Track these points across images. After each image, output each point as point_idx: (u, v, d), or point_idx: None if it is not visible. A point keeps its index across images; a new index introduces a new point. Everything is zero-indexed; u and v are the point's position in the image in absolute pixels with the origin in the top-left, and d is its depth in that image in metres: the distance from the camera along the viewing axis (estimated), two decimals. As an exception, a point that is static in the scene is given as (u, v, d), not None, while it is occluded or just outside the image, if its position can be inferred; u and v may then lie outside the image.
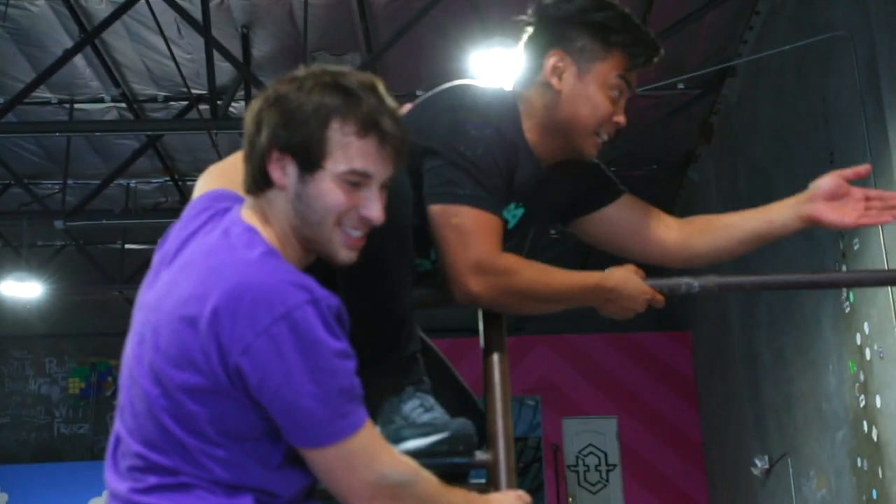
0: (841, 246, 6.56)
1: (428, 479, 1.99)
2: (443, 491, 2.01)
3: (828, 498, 7.29)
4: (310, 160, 1.95)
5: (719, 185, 9.92)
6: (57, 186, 10.49)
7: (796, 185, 7.60)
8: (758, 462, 8.90)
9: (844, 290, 6.53)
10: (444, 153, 2.41)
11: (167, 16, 7.79)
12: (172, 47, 8.02)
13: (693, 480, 11.53)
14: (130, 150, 9.93)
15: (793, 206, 2.66)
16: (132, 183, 10.83)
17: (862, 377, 6.45)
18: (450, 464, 2.29)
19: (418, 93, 2.47)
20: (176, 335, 1.87)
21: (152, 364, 1.91)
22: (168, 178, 10.74)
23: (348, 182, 1.96)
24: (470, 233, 2.37)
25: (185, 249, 2.01)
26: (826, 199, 2.62)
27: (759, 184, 8.49)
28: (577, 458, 11.81)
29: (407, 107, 2.46)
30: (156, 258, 2.09)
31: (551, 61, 2.54)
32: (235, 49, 8.28)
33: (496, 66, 7.07)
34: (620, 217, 2.77)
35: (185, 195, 10.72)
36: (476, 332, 2.52)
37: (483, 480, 2.42)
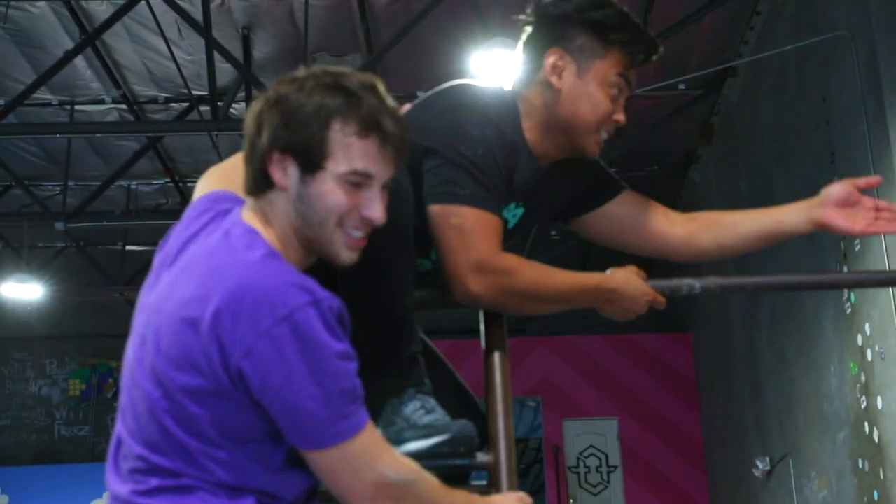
0: (842, 247, 6.56)
1: (429, 480, 1.99)
2: (444, 492, 2.01)
3: (829, 499, 7.29)
4: (311, 161, 1.95)
5: (720, 185, 9.93)
6: (58, 188, 10.50)
7: (797, 185, 7.62)
8: (759, 463, 8.90)
9: (846, 291, 6.53)
10: (444, 153, 2.41)
11: (168, 17, 7.80)
12: (173, 48, 8.03)
13: (694, 482, 11.53)
14: (131, 151, 9.94)
15: (804, 209, 2.68)
16: (133, 184, 10.84)
17: (863, 378, 6.45)
18: (451, 465, 2.29)
19: (419, 93, 2.47)
20: (177, 337, 1.87)
21: (154, 366, 1.91)
22: (169, 180, 10.74)
23: (350, 182, 1.96)
24: (470, 233, 2.37)
25: (186, 251, 2.01)
26: (837, 205, 2.65)
27: (760, 184, 8.49)
28: (578, 459, 11.80)
29: (406, 107, 2.46)
30: (157, 260, 2.08)
31: (551, 60, 2.55)
32: (236, 50, 8.29)
33: (497, 66, 7.07)
34: (622, 213, 2.77)
35: (185, 196, 10.72)
36: (477, 333, 2.52)
37: (484, 482, 2.42)
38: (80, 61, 8.58)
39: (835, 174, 6.64)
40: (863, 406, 6.48)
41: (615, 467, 11.74)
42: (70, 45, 8.27)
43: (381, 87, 2.01)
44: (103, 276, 11.27)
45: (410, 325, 2.36)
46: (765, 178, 8.37)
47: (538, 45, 2.58)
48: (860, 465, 6.60)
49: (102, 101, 9.27)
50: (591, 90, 2.54)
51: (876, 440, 6.30)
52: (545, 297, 2.44)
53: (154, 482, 1.89)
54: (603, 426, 11.83)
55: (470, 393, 2.65)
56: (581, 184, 2.75)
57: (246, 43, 8.41)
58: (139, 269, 10.81)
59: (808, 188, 7.44)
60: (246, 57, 8.43)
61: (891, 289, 5.81)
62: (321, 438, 1.87)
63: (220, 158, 8.27)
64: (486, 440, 2.39)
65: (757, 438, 9.22)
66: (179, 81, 8.63)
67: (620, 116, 2.59)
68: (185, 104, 9.17)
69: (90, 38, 8.06)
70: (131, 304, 10.92)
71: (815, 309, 7.32)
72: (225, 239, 1.96)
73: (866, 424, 6.44)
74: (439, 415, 2.33)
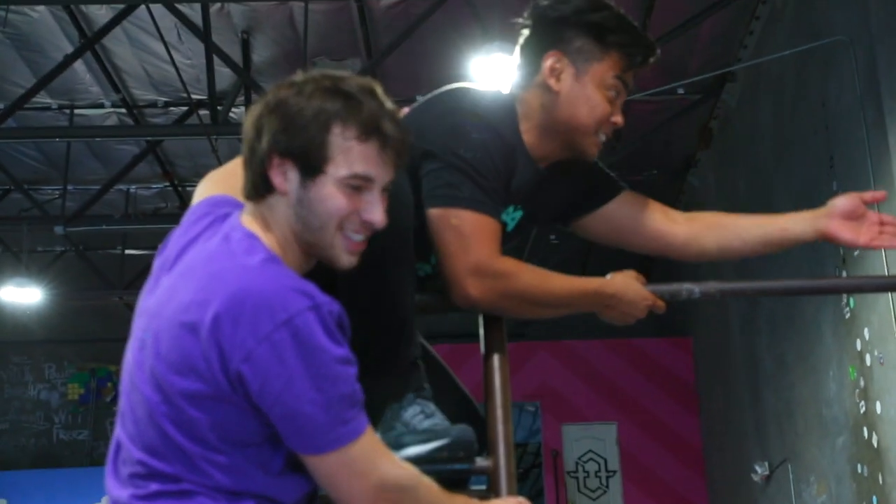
0: (841, 252, 6.56)
1: (429, 485, 1.99)
2: (444, 497, 2.01)
3: (828, 504, 7.30)
4: (311, 165, 1.95)
5: (719, 189, 9.94)
6: (57, 192, 10.50)
7: (796, 189, 7.60)
8: (758, 468, 8.89)
9: (845, 295, 6.54)
10: (442, 156, 2.42)
11: (167, 21, 7.81)
12: (172, 53, 8.05)
13: (693, 486, 11.52)
14: (130, 155, 9.95)
15: (809, 218, 2.71)
16: (132, 188, 10.84)
17: (862, 383, 6.45)
18: (450, 470, 2.28)
19: (418, 98, 2.49)
20: (177, 341, 1.87)
21: (153, 370, 1.91)
22: (168, 184, 10.75)
23: (350, 186, 1.96)
24: (469, 236, 2.37)
25: (186, 255, 2.01)
26: (842, 217, 2.68)
27: (759, 188, 8.50)
28: (577, 464, 11.80)
29: (405, 110, 2.46)
30: (156, 264, 2.09)
31: (549, 62, 2.56)
32: (235, 54, 8.30)
33: (497, 70, 7.08)
34: (621, 214, 2.78)
35: (184, 200, 10.72)
36: (476, 337, 2.52)
37: (483, 486, 2.41)
38: (79, 65, 8.59)
39: (834, 179, 6.65)
40: (862, 411, 6.49)
41: (614, 472, 11.73)
42: (69, 49, 8.28)
43: (380, 91, 2.01)
44: (102, 280, 11.28)
45: (410, 329, 2.36)
46: (764, 182, 8.38)
47: (536, 48, 2.59)
48: (859, 470, 6.60)
49: (102, 105, 9.28)
50: (590, 92, 2.55)
51: (875, 445, 6.30)
52: (544, 301, 2.44)
53: (154, 487, 1.89)
54: (602, 431, 11.83)
55: (469, 397, 2.65)
56: (580, 185, 2.76)
57: (245, 47, 8.41)
58: (138, 273, 10.80)
59: (807, 193, 7.47)
60: (245, 61, 8.44)
61: (890, 294, 5.81)
62: (321, 443, 1.87)
63: (220, 162, 8.28)
64: (485, 445, 2.39)
65: (756, 443, 9.22)
66: (179, 85, 8.65)
67: (618, 118, 2.59)
68: (185, 108, 9.18)
69: (90, 42, 8.07)
70: (130, 308, 10.87)
71: (815, 314, 7.33)
72: (224, 243, 1.96)
73: (865, 429, 6.45)
74: (439, 419, 2.33)
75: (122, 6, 7.65)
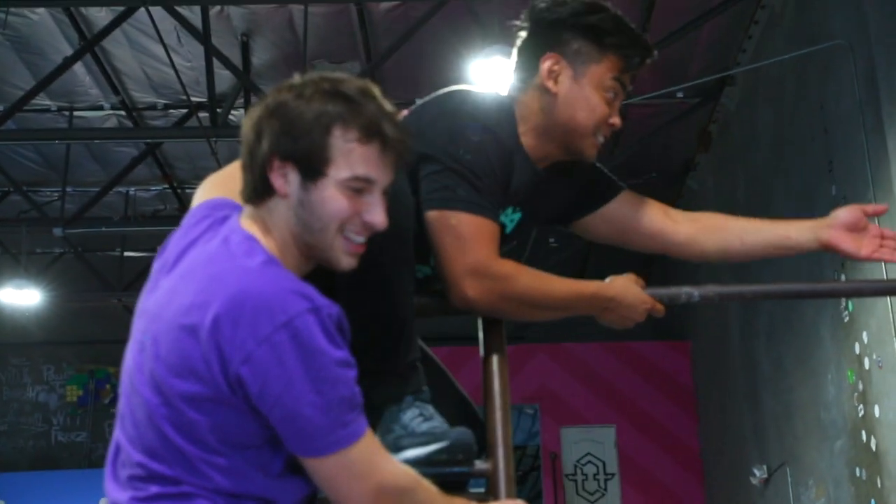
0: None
1: (427, 488, 1.99)
2: (442, 500, 2.01)
3: (826, 507, 7.30)
4: (312, 168, 1.95)
5: (718, 193, 9.94)
6: (56, 194, 10.51)
7: (795, 193, 7.59)
8: (756, 471, 8.89)
9: (843, 299, 6.54)
10: (440, 159, 2.42)
11: (167, 24, 7.81)
12: (172, 55, 8.05)
13: (691, 489, 11.52)
14: (129, 157, 9.95)
15: (812, 228, 2.73)
16: (131, 190, 10.85)
17: (861, 387, 6.45)
18: (449, 473, 2.29)
19: (417, 101, 2.49)
20: (176, 344, 1.88)
21: (153, 373, 1.91)
22: (167, 186, 10.75)
23: (351, 188, 1.96)
24: (467, 238, 2.38)
25: (185, 258, 2.01)
26: (845, 228, 2.70)
27: (758, 192, 8.50)
28: (576, 466, 11.79)
29: (403, 113, 2.47)
30: (155, 266, 2.09)
31: (547, 64, 2.56)
32: (235, 57, 8.30)
33: (496, 74, 7.08)
34: (621, 213, 2.79)
35: (184, 203, 10.73)
36: (476, 340, 2.52)
37: (482, 489, 2.41)
38: (79, 67, 8.59)
39: (833, 183, 6.65)
40: (860, 414, 6.48)
41: (612, 475, 11.73)
42: (69, 52, 8.28)
43: (379, 92, 2.02)
44: (101, 282, 11.28)
45: (409, 331, 2.37)
46: (762, 186, 8.38)
47: (534, 50, 2.60)
48: (857, 474, 6.60)
49: (101, 108, 9.28)
50: (588, 94, 2.56)
51: (873, 449, 6.30)
52: (542, 303, 2.45)
53: (153, 489, 1.90)
54: (600, 433, 11.82)
55: (468, 400, 2.65)
56: (579, 186, 2.76)
57: (245, 50, 8.42)
58: (137, 275, 10.81)
59: (805, 197, 7.46)
60: (245, 64, 8.45)
61: (888, 298, 5.81)
62: (320, 446, 1.87)
63: (219, 165, 8.29)
64: (484, 448, 2.39)
65: (754, 446, 9.22)
66: (178, 88, 8.66)
67: (616, 120, 2.60)
68: (184, 111, 9.19)
69: (89, 44, 8.08)
70: (129, 310, 10.94)
71: (813, 317, 7.32)
72: (224, 246, 1.96)
73: (864, 433, 6.44)
74: (437, 422, 2.33)
75: (121, 8, 7.66)
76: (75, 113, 9.32)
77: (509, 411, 2.43)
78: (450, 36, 8.02)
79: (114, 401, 13.34)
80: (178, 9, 7.54)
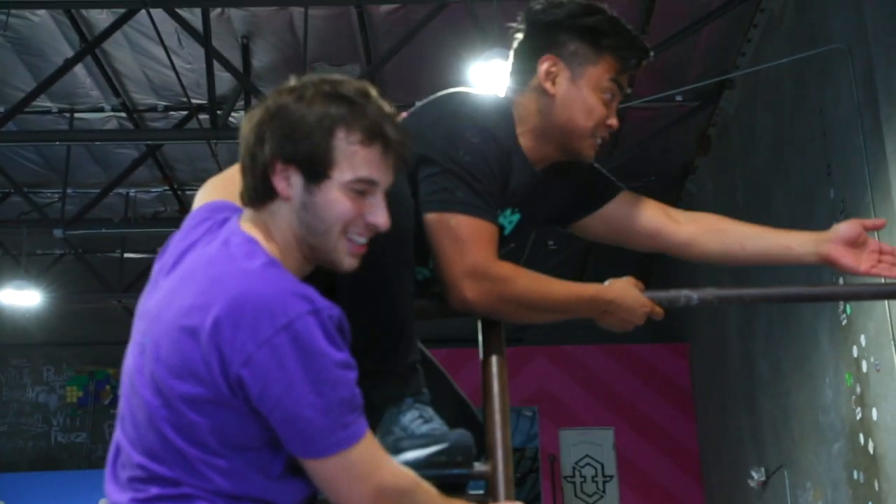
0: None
1: (427, 489, 2.00)
2: (442, 501, 2.02)
3: (824, 510, 7.30)
4: (316, 170, 1.95)
5: (717, 196, 9.93)
6: (56, 195, 10.49)
7: (793, 196, 7.58)
8: (754, 474, 8.89)
9: (841, 302, 6.54)
10: (439, 161, 2.43)
11: (167, 26, 7.81)
12: (173, 57, 8.04)
13: (690, 492, 11.51)
14: (130, 159, 9.95)
15: (813, 241, 2.75)
16: (131, 192, 10.84)
17: (858, 390, 6.45)
18: (448, 475, 2.29)
19: (417, 103, 2.49)
20: (177, 346, 1.88)
21: (153, 374, 1.91)
22: (167, 188, 10.74)
23: (354, 190, 1.97)
24: (465, 240, 2.38)
25: (185, 259, 2.02)
26: (845, 243, 2.72)
27: (757, 195, 8.51)
28: (574, 468, 11.78)
29: (402, 115, 2.48)
30: (156, 267, 2.09)
31: (545, 66, 2.57)
32: (235, 59, 8.30)
33: (496, 76, 7.08)
34: (621, 214, 2.80)
35: (184, 205, 10.73)
36: (475, 342, 2.52)
37: (481, 491, 2.43)
38: (79, 69, 8.60)
39: (831, 186, 6.65)
40: (858, 417, 6.49)
41: (611, 477, 11.72)
42: (70, 54, 8.28)
43: (377, 93, 2.02)
44: (101, 284, 11.27)
45: (409, 333, 2.37)
46: (761, 189, 8.38)
47: (531, 52, 2.61)
48: (855, 477, 6.60)
49: (102, 109, 9.28)
50: (585, 96, 2.56)
51: (871, 452, 6.30)
52: (541, 305, 2.45)
53: (154, 491, 1.90)
54: (599, 436, 11.82)
55: (467, 402, 2.65)
56: (578, 187, 2.77)
57: (245, 52, 8.42)
58: (137, 277, 10.83)
59: (804, 200, 7.46)
60: (245, 66, 8.44)
61: (886, 301, 5.81)
62: (320, 447, 1.87)
63: (219, 167, 8.31)
64: (483, 449, 2.39)
65: (752, 449, 9.22)
66: (179, 90, 8.65)
67: (614, 121, 2.61)
68: (185, 113, 9.18)
69: (90, 46, 8.08)
70: (129, 311, 10.95)
71: (811, 320, 7.32)
72: (224, 248, 1.96)
73: (861, 436, 6.45)
74: (437, 424, 2.33)
75: (122, 10, 7.66)
76: (76, 115, 9.31)
77: (508, 413, 2.43)
78: (450, 39, 8.02)
79: (114, 402, 13.34)
80: (179, 11, 7.54)
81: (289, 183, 1.97)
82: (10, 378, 14.11)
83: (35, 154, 10.04)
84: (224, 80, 8.54)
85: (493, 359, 2.49)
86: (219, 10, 7.87)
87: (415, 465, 2.15)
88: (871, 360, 6.20)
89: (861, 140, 6.14)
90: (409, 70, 8.47)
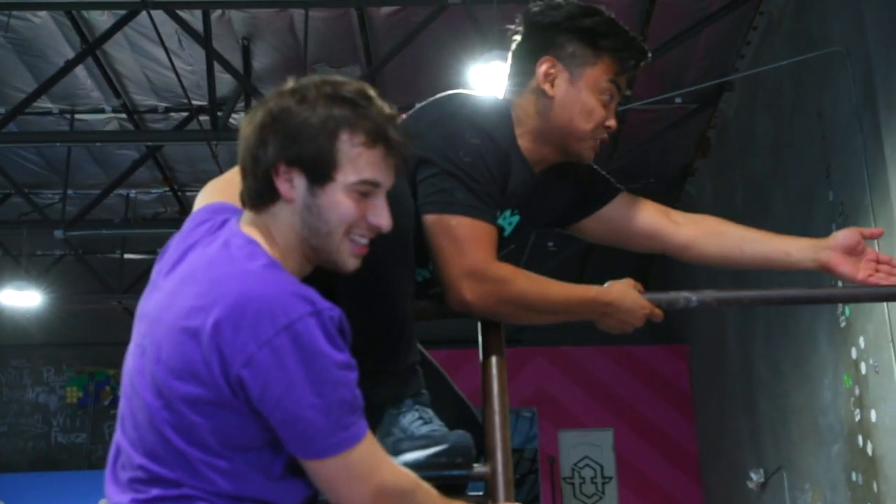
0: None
1: (427, 490, 2.00)
2: (442, 502, 2.02)
3: (823, 511, 7.31)
4: (320, 173, 1.95)
5: (716, 198, 9.94)
6: (57, 196, 10.50)
7: (792, 199, 7.58)
8: (753, 475, 8.90)
9: (840, 304, 6.54)
10: (438, 162, 2.43)
11: (168, 27, 7.82)
12: (173, 59, 8.04)
13: (689, 493, 11.52)
14: (130, 160, 9.96)
15: (812, 247, 2.75)
16: (132, 193, 10.85)
17: (857, 391, 6.46)
18: (448, 476, 2.29)
19: (417, 105, 2.49)
20: (178, 347, 1.88)
21: (154, 375, 1.91)
22: (168, 189, 10.76)
23: (358, 192, 1.97)
24: (464, 241, 2.38)
25: (185, 260, 2.02)
26: (844, 251, 2.72)
27: (756, 197, 8.52)
28: (573, 470, 11.80)
29: (401, 117, 2.48)
30: (156, 269, 2.10)
31: (543, 68, 2.58)
32: (236, 61, 8.31)
33: (495, 78, 7.09)
34: (620, 215, 2.80)
35: (184, 206, 10.75)
36: (474, 343, 2.52)
37: (481, 492, 2.42)
38: (80, 70, 8.61)
39: (830, 188, 6.66)
40: (857, 419, 6.50)
41: (610, 478, 11.74)
42: (71, 55, 8.29)
43: (377, 94, 2.03)
44: (101, 284, 11.28)
45: (409, 334, 2.37)
46: (760, 191, 8.39)
47: (529, 54, 2.61)
48: (854, 478, 6.61)
49: (102, 111, 9.28)
50: (584, 97, 2.57)
51: (870, 453, 6.31)
52: (540, 307, 2.45)
53: (154, 492, 1.89)
54: (598, 437, 11.83)
55: (467, 403, 2.65)
56: (577, 189, 2.77)
57: (246, 54, 8.43)
58: (137, 278, 10.84)
59: (803, 202, 7.46)
60: (246, 67, 8.45)
61: (885, 303, 5.83)
62: (321, 448, 1.87)
63: (220, 168, 8.31)
64: (482, 451, 2.39)
65: (751, 450, 9.23)
66: (179, 91, 8.65)
67: (612, 122, 2.61)
68: (185, 114, 9.19)
69: (91, 47, 8.09)
70: (129, 312, 10.96)
71: (810, 322, 7.34)
72: (224, 249, 1.96)
73: (860, 437, 6.46)
74: (437, 425, 2.33)
75: (123, 12, 7.67)
76: (76, 116, 9.32)
77: (508, 415, 2.43)
78: (449, 41, 8.03)
79: (113, 402, 13.34)
80: (180, 13, 7.55)
81: (292, 185, 1.96)
82: (10, 378, 14.11)
83: (36, 155, 10.05)
84: (224, 82, 8.55)
85: (493, 360, 2.49)
86: (219, 11, 7.88)
87: (414, 466, 2.15)
88: (870, 361, 6.21)
89: (860, 142, 6.16)
90: (409, 72, 8.48)
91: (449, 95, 2.59)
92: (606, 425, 11.82)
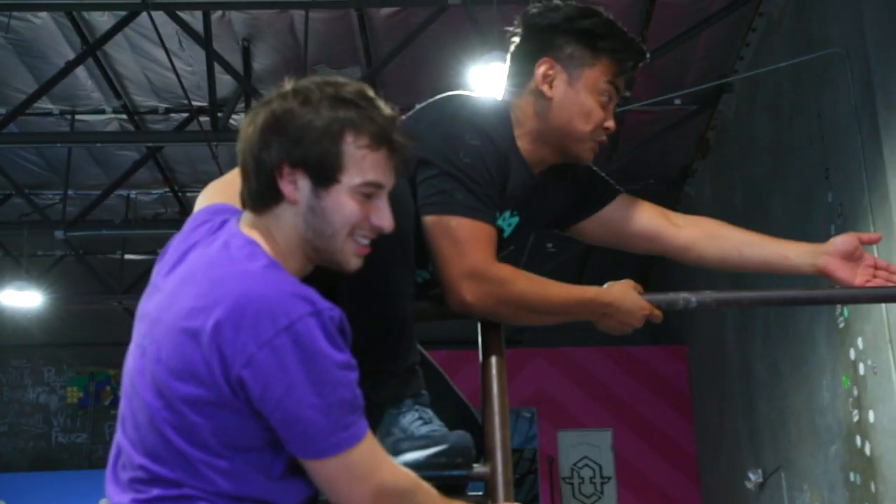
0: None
1: (427, 490, 2.00)
2: (442, 502, 2.02)
3: (821, 512, 7.32)
4: (325, 175, 1.96)
5: (715, 199, 9.95)
6: (57, 197, 10.51)
7: (791, 200, 7.59)
8: (752, 475, 8.91)
9: (839, 305, 6.55)
10: (437, 163, 2.43)
11: (168, 28, 7.83)
12: (173, 59, 8.05)
13: (687, 493, 11.53)
14: (131, 161, 9.97)
15: (810, 252, 2.76)
16: (132, 194, 10.86)
17: (856, 392, 6.47)
18: (448, 476, 2.29)
19: (417, 106, 2.49)
20: (178, 347, 1.88)
21: (154, 376, 1.91)
22: (168, 190, 10.77)
23: (362, 194, 1.97)
24: (464, 241, 2.39)
25: (185, 261, 2.02)
26: (842, 257, 2.73)
27: (755, 199, 8.52)
28: (572, 470, 11.81)
29: (401, 118, 2.49)
30: (156, 269, 2.10)
31: (542, 69, 2.58)
32: (236, 62, 8.32)
33: (495, 80, 7.10)
34: (619, 216, 2.80)
35: (184, 206, 10.76)
36: (474, 344, 2.52)
37: (480, 493, 2.42)
38: (81, 71, 8.62)
39: (829, 190, 6.67)
40: (855, 420, 6.51)
41: (609, 478, 11.75)
42: (71, 56, 8.31)
43: (377, 95, 2.03)
44: (102, 285, 11.29)
45: (409, 335, 2.37)
46: (760, 192, 8.40)
47: (528, 55, 2.61)
48: (852, 479, 6.62)
49: (103, 111, 9.30)
50: (583, 98, 2.56)
51: (868, 454, 6.32)
52: (540, 308, 2.45)
53: (155, 492, 1.90)
54: (597, 437, 11.84)
55: (467, 404, 2.65)
56: (576, 190, 2.78)
57: (246, 55, 8.44)
58: (138, 278, 10.85)
59: (802, 203, 7.47)
60: (246, 69, 8.46)
61: (883, 304, 5.84)
62: (321, 448, 1.87)
63: (220, 168, 8.33)
64: (482, 451, 2.39)
65: (750, 451, 9.24)
66: (179, 92, 8.66)
67: (611, 123, 2.61)
68: (185, 115, 9.20)
69: (91, 48, 8.10)
70: (130, 312, 10.96)
71: (809, 323, 7.34)
72: (224, 250, 1.96)
73: (858, 438, 6.47)
74: (436, 426, 2.34)
75: (123, 13, 7.68)
76: (77, 116, 9.34)
77: (507, 415, 2.43)
78: (449, 42, 8.04)
79: (114, 402, 13.33)
80: (180, 14, 7.56)
81: (296, 187, 1.96)
82: (10, 379, 14.12)
83: (36, 156, 10.06)
84: (225, 83, 8.57)
85: (493, 360, 2.49)
86: (220, 12, 7.89)
87: (414, 466, 2.15)
88: (869, 362, 6.22)
89: (859, 144, 6.16)
90: (409, 73, 8.49)
91: (448, 97, 2.59)
92: (605, 425, 11.83)
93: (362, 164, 1.96)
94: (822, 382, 7.12)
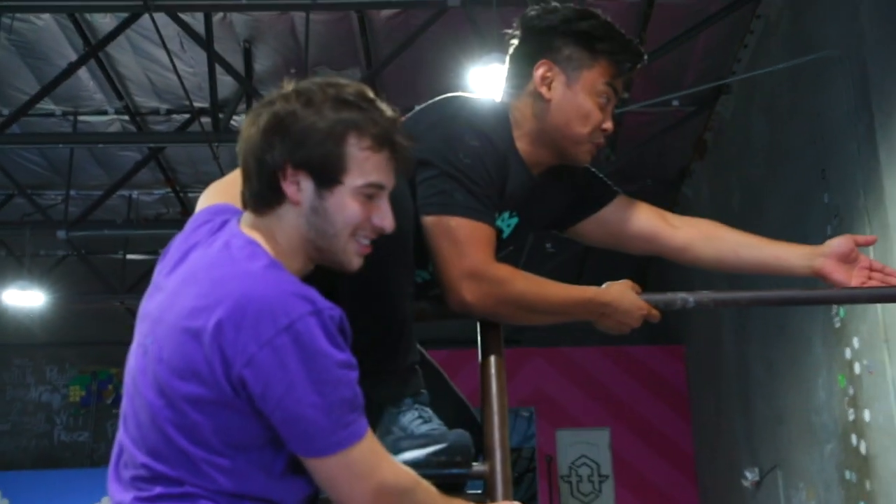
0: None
1: (427, 488, 2.02)
2: (442, 500, 2.04)
3: (817, 510, 7.35)
4: (328, 176, 1.97)
5: (713, 200, 9.95)
6: (60, 197, 10.53)
7: (788, 201, 7.63)
8: (748, 474, 8.92)
9: (835, 306, 6.56)
10: (437, 164, 2.44)
11: (170, 30, 7.84)
12: (175, 61, 8.04)
13: (684, 492, 11.53)
14: (133, 161, 9.98)
15: (807, 254, 2.77)
16: (134, 194, 10.87)
17: (851, 391, 6.48)
18: (447, 475, 2.30)
19: (416, 107, 2.50)
20: (180, 347, 1.89)
21: (156, 375, 1.92)
22: (169, 190, 10.77)
23: (364, 195, 1.99)
24: (463, 242, 2.40)
25: (186, 261, 2.03)
26: (837, 259, 2.75)
27: (752, 200, 8.53)
28: (571, 468, 11.81)
29: (401, 119, 2.52)
30: (158, 269, 2.11)
31: (540, 71, 2.59)
32: (237, 63, 8.33)
33: (495, 81, 7.11)
34: (617, 218, 2.82)
35: (186, 207, 10.77)
36: (473, 343, 2.53)
37: (479, 491, 2.43)
38: (83, 73, 8.63)
39: (825, 191, 6.68)
40: (850, 419, 6.52)
41: (607, 477, 11.75)
42: (74, 57, 8.32)
43: (376, 96, 2.05)
44: (104, 285, 11.31)
45: (409, 334, 2.38)
46: (757, 193, 8.41)
47: (526, 57, 2.62)
48: (847, 477, 6.63)
49: (105, 112, 9.31)
50: (581, 100, 2.58)
51: (863, 452, 6.34)
52: (539, 308, 2.46)
53: (157, 490, 1.90)
54: (595, 436, 11.84)
55: (466, 403, 2.66)
56: (574, 191, 2.79)
57: (247, 56, 8.44)
58: (139, 278, 10.88)
59: (799, 204, 7.49)
60: (247, 70, 8.47)
61: (879, 304, 5.86)
62: (322, 446, 1.88)
63: (221, 169, 8.35)
64: (481, 450, 2.41)
65: (747, 450, 9.24)
66: (181, 93, 8.67)
67: (609, 125, 2.62)
68: (187, 116, 9.21)
69: (93, 49, 8.12)
70: (131, 312, 10.98)
71: (805, 323, 7.34)
72: (225, 250, 1.97)
73: (854, 437, 6.48)
74: (436, 424, 2.35)
75: (125, 15, 7.69)
76: (79, 117, 9.35)
77: (506, 414, 2.44)
78: (449, 44, 8.04)
79: (116, 401, 13.30)
80: (182, 15, 7.58)
81: (299, 188, 1.98)
82: (13, 377, 14.12)
83: (38, 156, 10.07)
84: (226, 84, 8.59)
85: (492, 360, 2.49)
86: (221, 14, 7.90)
87: (414, 464, 2.15)
88: (864, 362, 6.23)
89: (855, 145, 6.16)
90: (409, 74, 8.49)
91: (448, 98, 2.61)
92: (603, 424, 11.83)
93: (365, 165, 1.98)
94: (818, 382, 7.13)
